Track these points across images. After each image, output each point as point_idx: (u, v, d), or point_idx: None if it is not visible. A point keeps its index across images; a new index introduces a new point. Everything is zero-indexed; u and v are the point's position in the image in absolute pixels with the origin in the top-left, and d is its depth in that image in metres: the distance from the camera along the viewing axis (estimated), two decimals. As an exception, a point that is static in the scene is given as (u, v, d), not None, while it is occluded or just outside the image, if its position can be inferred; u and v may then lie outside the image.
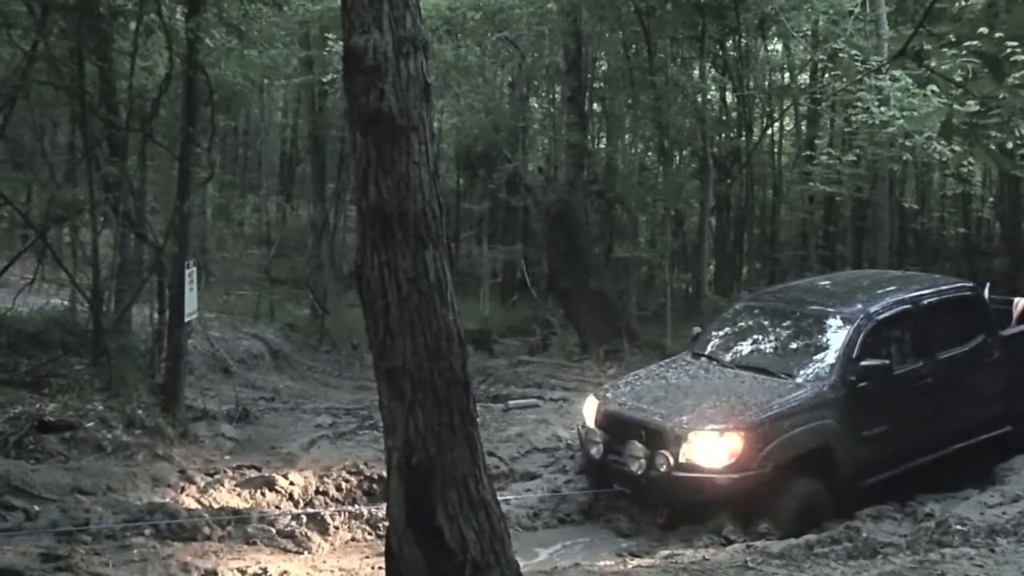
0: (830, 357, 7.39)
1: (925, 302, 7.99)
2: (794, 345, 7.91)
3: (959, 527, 6.25)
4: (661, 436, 6.93)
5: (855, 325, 7.45)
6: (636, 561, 5.82)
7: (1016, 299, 9.15)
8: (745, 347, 8.14)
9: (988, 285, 9.20)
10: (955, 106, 10.95)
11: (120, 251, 10.08)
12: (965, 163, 13.58)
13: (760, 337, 8.26)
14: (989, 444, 8.02)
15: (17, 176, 11.17)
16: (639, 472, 7.01)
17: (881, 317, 7.63)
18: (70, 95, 9.77)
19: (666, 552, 6.04)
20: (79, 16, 9.16)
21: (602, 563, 5.91)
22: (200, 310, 9.97)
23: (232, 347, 13.23)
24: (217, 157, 15.02)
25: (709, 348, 8.23)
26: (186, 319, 9.09)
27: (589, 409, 7.81)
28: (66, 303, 11.02)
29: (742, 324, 8.50)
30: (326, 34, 15.90)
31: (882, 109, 12.43)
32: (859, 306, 7.80)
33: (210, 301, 15.10)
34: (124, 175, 9.56)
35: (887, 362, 7.32)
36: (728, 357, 7.96)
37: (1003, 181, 19.41)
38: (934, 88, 11.38)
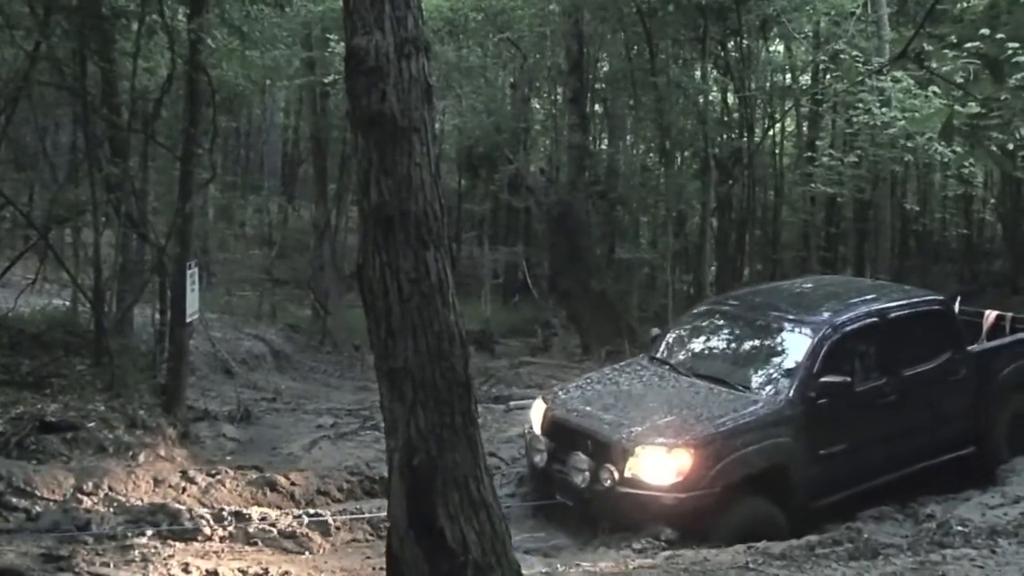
0: (790, 370, 7.03)
1: (892, 315, 7.62)
2: (753, 355, 7.50)
3: (960, 528, 6.22)
4: (607, 448, 6.59)
5: (818, 337, 7.09)
6: (638, 561, 5.81)
7: (987, 312, 8.86)
8: (703, 354, 7.79)
9: (959, 298, 8.90)
10: (956, 107, 10.93)
11: (122, 252, 10.08)
12: (966, 164, 13.59)
13: (719, 344, 7.91)
14: (952, 464, 7.73)
15: (19, 176, 11.18)
16: (582, 485, 6.64)
17: (846, 330, 7.26)
18: (72, 96, 9.78)
19: (668, 553, 6.03)
20: (81, 17, 9.18)
21: (603, 564, 5.90)
22: (202, 311, 9.98)
23: (233, 348, 13.25)
24: (219, 158, 15.03)
25: (666, 353, 7.87)
26: (188, 320, 9.10)
27: (536, 414, 7.41)
28: (68, 303, 11.03)
29: (702, 329, 8.13)
30: (328, 35, 15.93)
31: (883, 110, 12.45)
32: (823, 317, 7.44)
33: (212, 302, 15.12)
34: (126, 176, 9.57)
35: (848, 379, 6.96)
36: (684, 364, 7.58)
37: (1004, 183, 19.45)
38: (935, 89, 11.37)
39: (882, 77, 12.30)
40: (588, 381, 8.03)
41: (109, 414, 8.02)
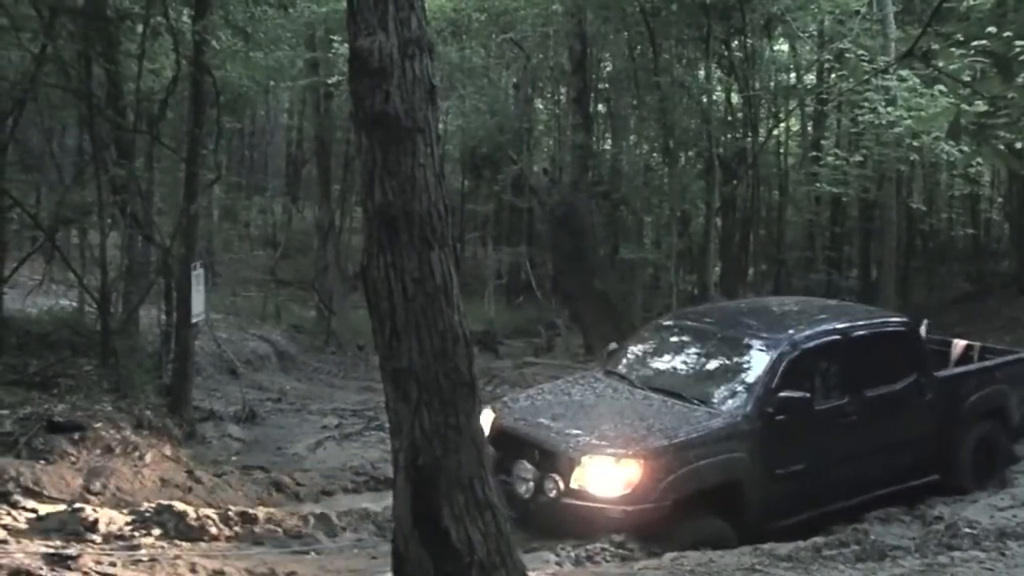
0: (748, 385, 6.79)
1: (855, 334, 7.39)
2: (711, 370, 7.29)
3: (968, 530, 6.18)
4: (553, 458, 6.33)
5: (777, 353, 6.87)
6: (643, 563, 5.79)
7: (955, 340, 8.75)
8: (659, 368, 7.57)
9: (925, 323, 8.73)
10: (963, 106, 10.91)
11: (128, 253, 10.13)
12: (973, 163, 13.54)
13: (677, 359, 7.66)
14: (915, 491, 7.39)
15: (26, 178, 11.20)
16: (526, 496, 6.34)
17: (806, 346, 7.03)
18: (78, 98, 9.81)
19: (673, 554, 6.02)
20: (87, 19, 9.21)
21: (606, 565, 5.90)
22: (207, 311, 10.01)
23: (238, 348, 13.29)
24: (223, 159, 15.11)
25: (622, 366, 7.63)
26: (193, 320, 9.14)
27: (484, 423, 7.23)
28: (74, 304, 11.06)
29: (660, 343, 7.91)
30: (331, 36, 15.95)
31: (889, 109, 12.40)
32: (784, 333, 7.22)
33: (216, 302, 15.15)
34: (131, 177, 9.60)
35: (808, 395, 6.74)
36: (640, 377, 7.34)
37: (1012, 181, 19.38)
38: (941, 88, 11.32)
39: (887, 76, 12.25)
40: (539, 391, 7.78)
41: (116, 414, 8.06)
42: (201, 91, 9.43)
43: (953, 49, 10.53)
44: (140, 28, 9.84)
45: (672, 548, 5.89)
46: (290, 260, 21.74)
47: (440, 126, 4.29)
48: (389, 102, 3.95)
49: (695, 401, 6.79)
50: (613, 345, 8.54)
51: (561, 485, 6.22)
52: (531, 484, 6.36)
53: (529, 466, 6.40)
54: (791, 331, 7.27)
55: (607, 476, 6.14)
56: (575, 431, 6.57)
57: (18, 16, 9.17)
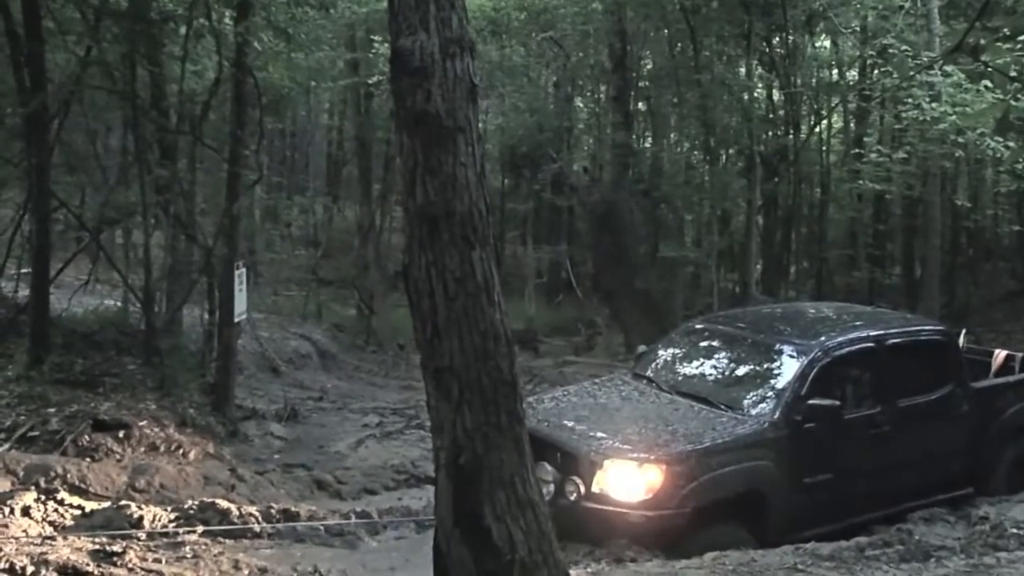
0: (776, 392, 6.66)
1: (890, 342, 7.20)
2: (740, 375, 7.14)
3: (1015, 530, 6.05)
4: (575, 460, 6.23)
5: (808, 359, 6.73)
6: (684, 562, 5.75)
7: (996, 350, 8.44)
8: (687, 372, 7.44)
9: (964, 332, 8.51)
10: (1011, 101, 10.70)
11: (171, 252, 10.28)
12: (1021, 159, 13.25)
13: (705, 363, 7.52)
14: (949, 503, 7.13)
15: (72, 179, 11.43)
16: (546, 498, 6.39)
17: (838, 353, 6.88)
18: (122, 99, 9.98)
19: (714, 553, 5.97)
20: (131, 22, 9.36)
21: (649, 564, 5.86)
22: (249, 310, 10.13)
23: (280, 347, 13.43)
24: (265, 159, 15.27)
25: (650, 370, 7.52)
26: (236, 319, 9.26)
27: None
28: (119, 304, 11.27)
29: (689, 347, 7.79)
30: (372, 36, 16.07)
31: (933, 105, 12.19)
32: (815, 339, 7.07)
33: (258, 301, 15.34)
34: (175, 178, 9.75)
35: (837, 403, 6.57)
36: (667, 381, 7.23)
37: (1061, 177, 18.90)
38: (987, 83, 11.11)
39: (932, 71, 12.04)
40: (565, 393, 7.75)
41: (160, 412, 8.18)
42: (243, 92, 9.54)
43: (1000, 44, 10.31)
44: (183, 30, 9.99)
45: (689, 556, 5.78)
46: (331, 259, 21.91)
47: (480, 125, 4.29)
48: (430, 101, 3.95)
49: (722, 406, 6.67)
50: (642, 348, 8.47)
51: (582, 488, 6.14)
52: (551, 486, 6.24)
53: (550, 468, 6.29)
54: (823, 337, 7.11)
55: (628, 480, 6.06)
56: (598, 434, 6.49)
57: (64, 19, 9.35)
